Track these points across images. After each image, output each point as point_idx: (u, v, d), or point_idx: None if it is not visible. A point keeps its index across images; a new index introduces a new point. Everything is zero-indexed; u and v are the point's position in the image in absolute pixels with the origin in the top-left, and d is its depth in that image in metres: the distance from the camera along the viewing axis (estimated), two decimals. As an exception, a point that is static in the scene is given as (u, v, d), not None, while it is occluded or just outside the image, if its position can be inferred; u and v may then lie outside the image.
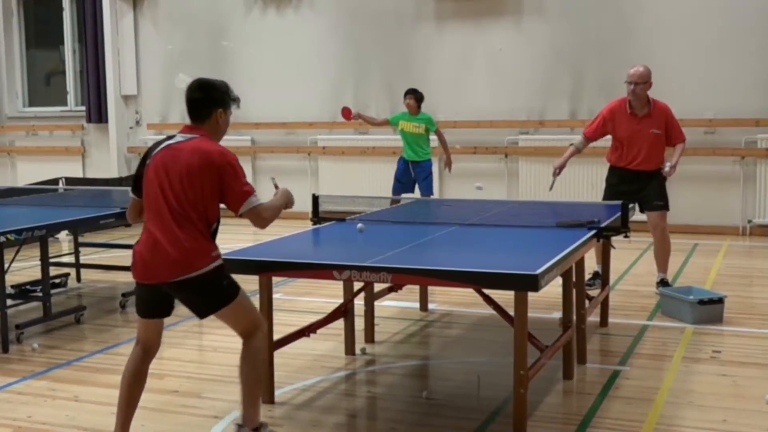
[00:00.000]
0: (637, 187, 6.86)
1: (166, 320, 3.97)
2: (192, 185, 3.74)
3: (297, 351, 5.33)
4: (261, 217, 3.85)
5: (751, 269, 8.53)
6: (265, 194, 3.94)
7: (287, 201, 4.05)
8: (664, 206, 7.03)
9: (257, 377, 3.97)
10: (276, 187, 4.16)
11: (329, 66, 12.03)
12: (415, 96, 9.38)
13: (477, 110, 11.25)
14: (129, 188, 4.04)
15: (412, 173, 9.48)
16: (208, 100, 3.89)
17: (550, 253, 4.26)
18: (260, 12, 12.34)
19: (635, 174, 6.90)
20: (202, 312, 3.88)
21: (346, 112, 9.70)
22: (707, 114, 10.26)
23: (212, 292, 3.81)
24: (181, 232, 3.72)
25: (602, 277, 6.26)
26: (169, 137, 3.91)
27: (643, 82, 6.82)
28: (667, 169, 6.84)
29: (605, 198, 6.99)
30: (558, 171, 6.96)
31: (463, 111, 11.28)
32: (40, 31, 14.34)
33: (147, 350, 3.92)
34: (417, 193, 9.47)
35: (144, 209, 3.89)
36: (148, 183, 3.83)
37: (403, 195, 9.17)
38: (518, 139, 11.09)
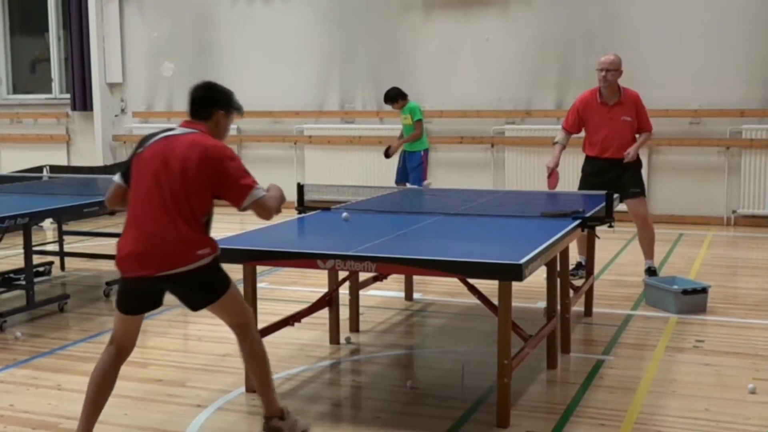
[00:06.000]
0: (613, 176, 6.84)
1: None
2: (188, 178, 3.64)
3: (282, 340, 5.33)
4: (265, 208, 3.76)
5: (735, 259, 8.57)
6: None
7: (281, 192, 3.94)
8: (641, 193, 7.03)
9: (267, 367, 3.96)
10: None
11: (316, 55, 12.00)
12: (387, 96, 9.40)
13: (464, 100, 11.24)
14: (114, 175, 3.93)
15: (405, 163, 9.49)
16: (210, 100, 3.90)
17: (535, 243, 4.27)
18: (247, 0, 12.28)
19: (609, 163, 6.90)
20: (196, 305, 3.82)
21: None
22: (693, 104, 10.29)
23: (207, 285, 3.74)
24: (176, 223, 3.62)
25: (587, 267, 6.28)
26: (168, 129, 3.87)
27: (614, 69, 6.85)
28: (626, 158, 6.83)
29: (581, 187, 7.01)
30: (551, 170, 6.93)
31: (449, 101, 11.27)
32: (25, 17, 14.21)
33: (121, 350, 3.78)
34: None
35: (130, 198, 3.77)
36: (140, 172, 3.73)
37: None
38: (504, 129, 11.09)
